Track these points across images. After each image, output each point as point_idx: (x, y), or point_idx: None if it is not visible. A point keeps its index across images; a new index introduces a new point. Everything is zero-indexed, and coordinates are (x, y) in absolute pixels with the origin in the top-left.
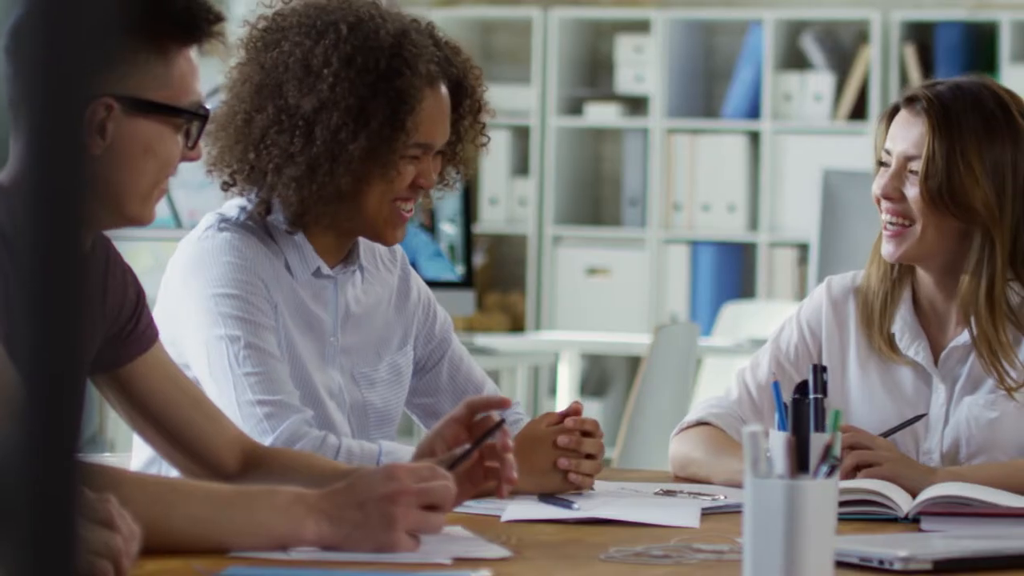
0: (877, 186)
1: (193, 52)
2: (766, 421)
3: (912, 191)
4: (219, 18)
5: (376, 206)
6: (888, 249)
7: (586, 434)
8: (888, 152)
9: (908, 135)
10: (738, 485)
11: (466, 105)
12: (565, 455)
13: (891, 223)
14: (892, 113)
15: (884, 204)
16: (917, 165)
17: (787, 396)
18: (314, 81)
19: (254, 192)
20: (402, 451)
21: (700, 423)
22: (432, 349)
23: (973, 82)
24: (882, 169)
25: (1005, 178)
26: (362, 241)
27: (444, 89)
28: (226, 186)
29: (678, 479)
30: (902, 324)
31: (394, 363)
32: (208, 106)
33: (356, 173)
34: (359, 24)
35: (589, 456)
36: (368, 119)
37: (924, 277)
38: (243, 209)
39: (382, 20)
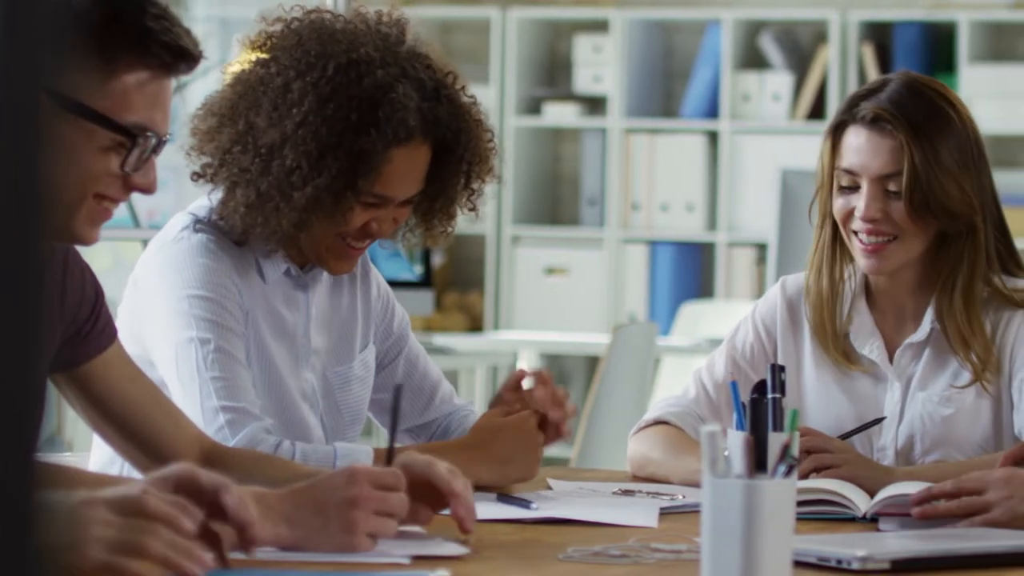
0: (847, 207)
1: (153, 76)
2: (724, 420)
3: (895, 207)
4: (185, 55)
5: (320, 237)
6: (871, 263)
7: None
8: (850, 172)
9: (878, 152)
10: (696, 485)
11: (454, 167)
12: (546, 408)
13: (872, 240)
14: (837, 129)
15: (862, 224)
16: (894, 183)
17: (744, 395)
18: (283, 115)
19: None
20: (358, 451)
21: (658, 422)
22: (389, 346)
23: (905, 82)
24: (844, 190)
25: (969, 164)
26: None
27: (424, 146)
28: (196, 176)
29: (636, 479)
30: (857, 323)
31: (364, 360)
32: (161, 135)
33: (298, 218)
34: (348, 66)
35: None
36: (322, 169)
37: (881, 278)
38: (212, 209)
39: (380, 63)
